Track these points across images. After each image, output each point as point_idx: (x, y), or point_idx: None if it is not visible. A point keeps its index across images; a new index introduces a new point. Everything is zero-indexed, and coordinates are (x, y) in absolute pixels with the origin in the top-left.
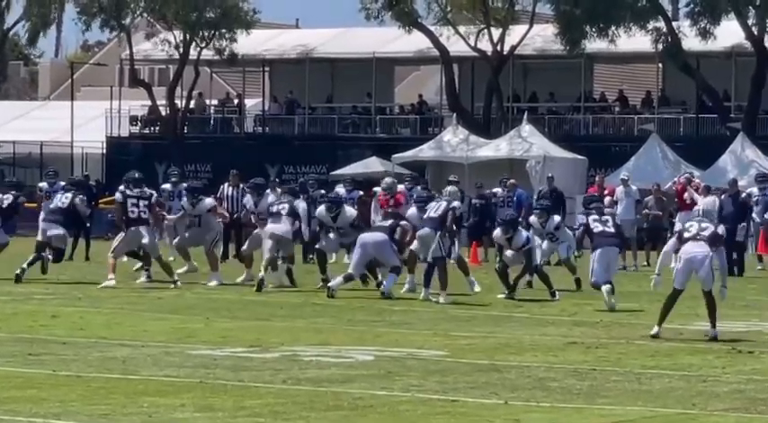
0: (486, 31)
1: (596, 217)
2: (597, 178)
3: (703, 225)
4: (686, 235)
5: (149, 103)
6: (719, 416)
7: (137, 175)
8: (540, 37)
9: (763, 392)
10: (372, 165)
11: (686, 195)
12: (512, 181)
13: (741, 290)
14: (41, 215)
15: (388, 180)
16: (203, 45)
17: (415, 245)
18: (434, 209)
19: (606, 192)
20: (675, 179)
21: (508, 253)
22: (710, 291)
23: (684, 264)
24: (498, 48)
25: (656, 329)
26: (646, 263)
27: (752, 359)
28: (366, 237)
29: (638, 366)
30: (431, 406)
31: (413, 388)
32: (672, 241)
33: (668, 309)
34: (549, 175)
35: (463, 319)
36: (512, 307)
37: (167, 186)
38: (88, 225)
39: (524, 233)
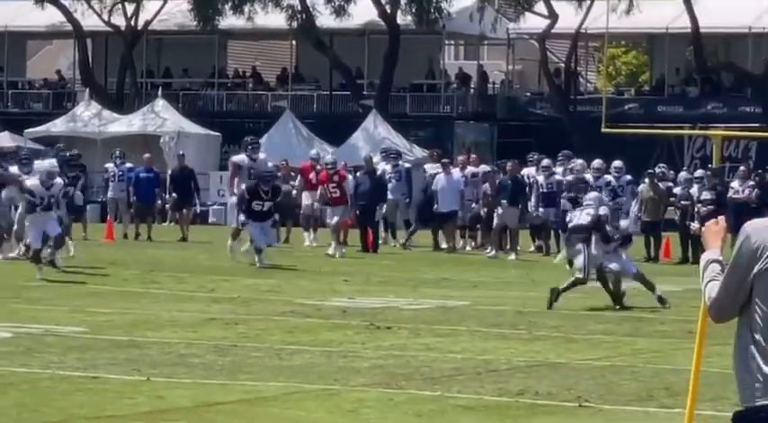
0: (120, 5)
1: None
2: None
3: None
4: None
5: None
6: (361, 391)
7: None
8: (175, 12)
9: (402, 367)
10: (3, 140)
11: (311, 175)
12: (146, 155)
13: (376, 266)
14: None
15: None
16: None
17: None
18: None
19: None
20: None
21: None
22: None
23: None
24: (132, 23)
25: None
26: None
27: (390, 335)
28: None
29: (278, 342)
30: (72, 383)
31: (53, 365)
32: None
33: None
34: (180, 152)
35: (100, 296)
36: (148, 283)
37: None
38: None
39: None
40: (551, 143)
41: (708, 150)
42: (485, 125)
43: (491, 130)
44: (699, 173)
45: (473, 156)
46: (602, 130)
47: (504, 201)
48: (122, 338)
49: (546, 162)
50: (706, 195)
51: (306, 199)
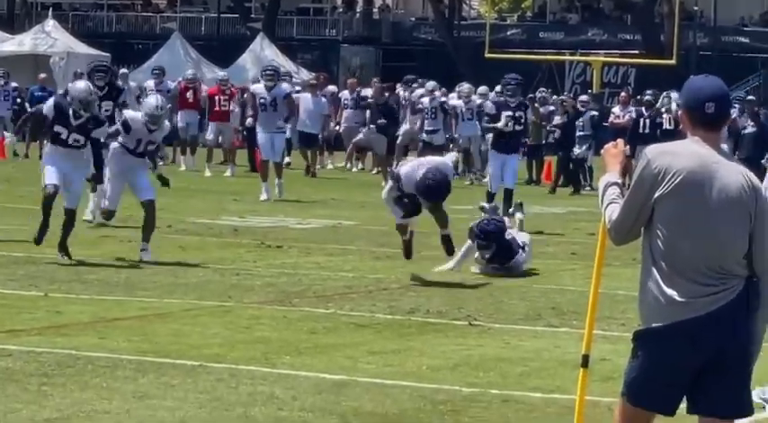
0: None
1: None
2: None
3: None
4: None
5: None
6: (256, 308)
7: None
8: None
9: (294, 286)
10: None
11: (189, 94)
12: (42, 75)
13: (253, 185)
14: None
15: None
16: None
17: None
18: None
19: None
20: (180, 79)
21: None
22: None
23: None
24: None
25: None
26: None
27: (281, 253)
28: None
29: (171, 259)
30: None
31: None
32: None
33: None
34: (78, 70)
35: None
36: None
37: None
38: None
39: None
40: (435, 67)
41: (588, 76)
42: (370, 49)
43: (376, 54)
44: (583, 97)
45: (375, 80)
46: (486, 55)
47: (372, 126)
48: (19, 255)
49: (430, 85)
50: (556, 120)
51: (180, 120)
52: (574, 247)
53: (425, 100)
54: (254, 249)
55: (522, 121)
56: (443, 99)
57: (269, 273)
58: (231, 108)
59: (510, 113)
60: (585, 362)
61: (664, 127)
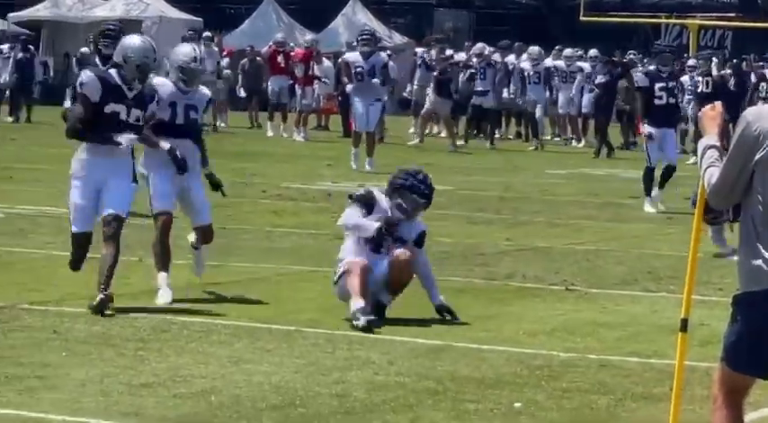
0: None
1: None
2: (216, 39)
3: None
4: None
5: None
6: None
7: None
8: None
9: None
10: None
11: (280, 58)
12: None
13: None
14: None
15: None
16: None
17: None
18: None
19: (225, 53)
20: (271, 43)
21: None
22: None
23: None
24: None
25: None
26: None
27: None
28: None
29: (266, 225)
30: (62, 263)
31: (48, 245)
32: None
33: None
34: (190, 32)
35: None
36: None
37: None
38: None
39: None
40: (529, 31)
41: (684, 39)
42: (463, 12)
43: (469, 17)
44: (691, 62)
45: (467, 44)
46: (581, 18)
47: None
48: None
49: (478, 48)
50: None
51: (272, 84)
52: (668, 212)
53: (475, 60)
54: None
55: (676, 92)
56: (497, 59)
57: None
58: (316, 72)
59: (663, 84)
60: (684, 326)
61: (700, 90)
